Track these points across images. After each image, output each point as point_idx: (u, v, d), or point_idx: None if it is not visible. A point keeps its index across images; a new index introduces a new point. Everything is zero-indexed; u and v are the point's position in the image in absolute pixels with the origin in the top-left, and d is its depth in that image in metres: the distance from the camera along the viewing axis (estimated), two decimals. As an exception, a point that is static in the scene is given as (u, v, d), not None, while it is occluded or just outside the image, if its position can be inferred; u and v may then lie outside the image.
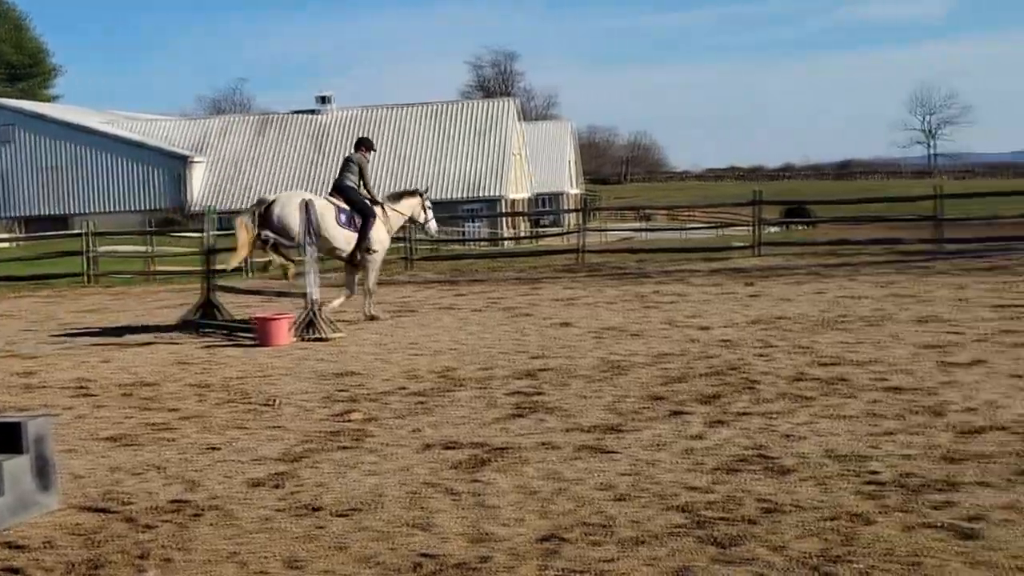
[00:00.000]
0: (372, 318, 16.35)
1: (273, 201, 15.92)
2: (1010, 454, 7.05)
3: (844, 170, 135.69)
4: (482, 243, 47.50)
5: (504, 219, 60.48)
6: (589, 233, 30.42)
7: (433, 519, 6.21)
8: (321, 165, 68.20)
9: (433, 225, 17.85)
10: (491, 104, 74.56)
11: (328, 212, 15.99)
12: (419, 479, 7.08)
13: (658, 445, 7.74)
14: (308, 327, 14.39)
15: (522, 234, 56.99)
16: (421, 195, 17.66)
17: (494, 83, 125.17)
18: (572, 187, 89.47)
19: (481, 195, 66.04)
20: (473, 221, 57.94)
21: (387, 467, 7.44)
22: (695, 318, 14.75)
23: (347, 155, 17.16)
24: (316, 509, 6.50)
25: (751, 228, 28.58)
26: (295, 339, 14.14)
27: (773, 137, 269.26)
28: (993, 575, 5.05)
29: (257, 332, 14.23)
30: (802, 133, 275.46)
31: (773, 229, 41.39)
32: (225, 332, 15.28)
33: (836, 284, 18.65)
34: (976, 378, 9.62)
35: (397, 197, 17.52)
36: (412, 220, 17.77)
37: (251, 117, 76.73)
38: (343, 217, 16.18)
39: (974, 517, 5.82)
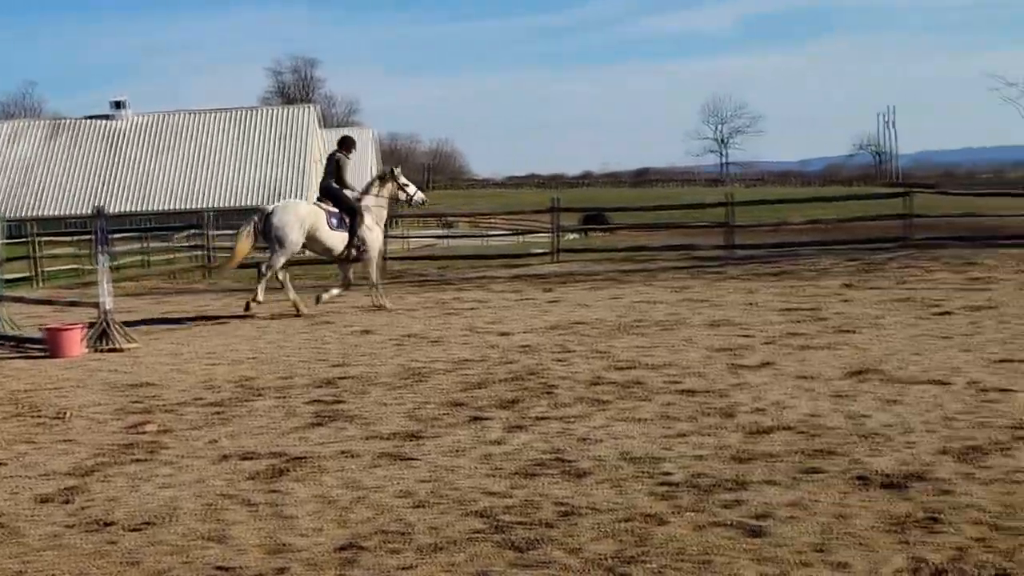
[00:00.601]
0: (380, 307, 17.32)
1: (272, 212, 16.94)
2: (795, 453, 7.31)
3: (641, 178, 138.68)
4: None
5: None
6: (391, 240, 30.36)
7: (229, 531, 6.11)
8: (116, 171, 66.59)
9: (419, 195, 18.29)
10: (292, 110, 73.78)
11: (320, 218, 16.92)
12: (215, 491, 6.96)
13: (457, 451, 7.77)
14: (101, 337, 13.99)
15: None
16: (391, 175, 18.04)
17: (295, 89, 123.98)
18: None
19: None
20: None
21: (182, 479, 7.30)
22: (495, 324, 14.86)
23: (328, 154, 18.02)
24: (108, 524, 6.33)
25: (550, 235, 28.95)
26: (88, 350, 13.73)
27: (573, 145, 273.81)
28: (779, 570, 5.23)
29: (47, 343, 13.75)
30: (601, 142, 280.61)
31: (572, 236, 41.98)
32: (13, 344, 14.73)
33: (633, 289, 19.02)
34: (764, 380, 9.94)
35: (371, 186, 17.99)
36: (396, 200, 18.33)
37: (42, 122, 74.12)
38: (334, 220, 17.07)
39: (761, 515, 6.01)
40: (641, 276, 21.65)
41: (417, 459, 7.59)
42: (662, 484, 6.70)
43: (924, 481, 6.55)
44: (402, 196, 18.13)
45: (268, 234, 16.85)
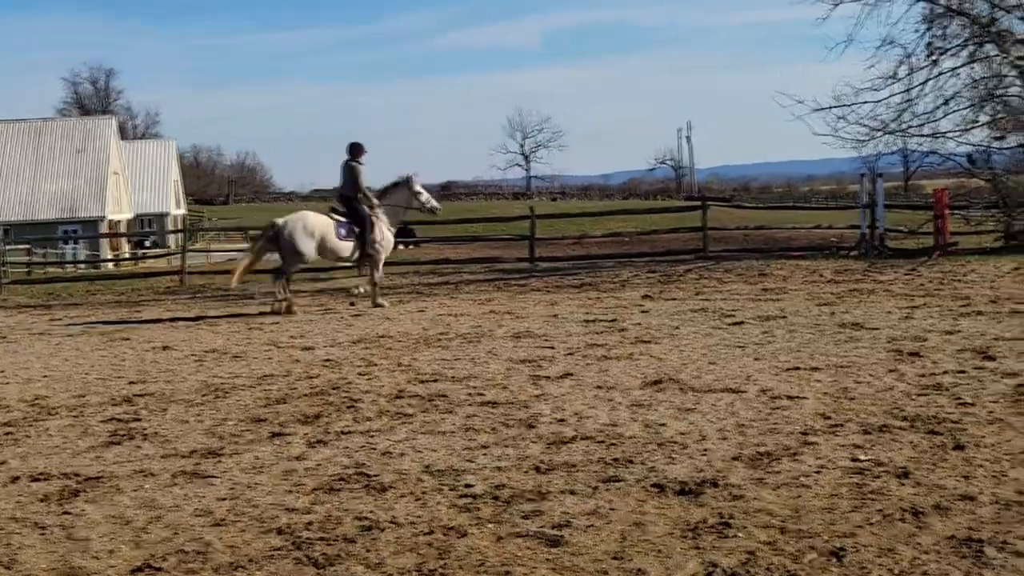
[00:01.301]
0: (378, 306, 18.28)
1: (284, 224, 18.10)
2: (595, 462, 7.44)
3: (447, 191, 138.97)
4: (80, 265, 45.62)
5: (104, 240, 58.27)
6: (193, 255, 29.80)
7: (18, 556, 5.91)
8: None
9: (433, 203, 19.31)
10: (89, 122, 71.86)
11: (329, 229, 18.07)
12: (3, 514, 6.72)
13: (258, 468, 7.68)
14: None
15: (124, 256, 55.15)
16: (407, 183, 18.96)
17: (92, 100, 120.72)
18: (176, 208, 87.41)
19: (79, 216, 63.55)
20: (71, 243, 55.44)
21: (-32, 504, 7.03)
22: (299, 338, 14.72)
23: (342, 163, 18.66)
24: None
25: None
26: None
27: (379, 159, 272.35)
28: (577, 578, 5.32)
29: None
30: (407, 155, 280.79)
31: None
32: None
33: (437, 302, 19.08)
34: (565, 390, 10.08)
35: (385, 193, 18.95)
36: (409, 207, 19.19)
37: None
38: (343, 231, 18.16)
39: (561, 524, 6.10)
40: (446, 289, 21.73)
41: (216, 477, 7.46)
42: (463, 496, 6.73)
43: (717, 487, 6.74)
44: (415, 204, 19.05)
45: (280, 245, 18.11)
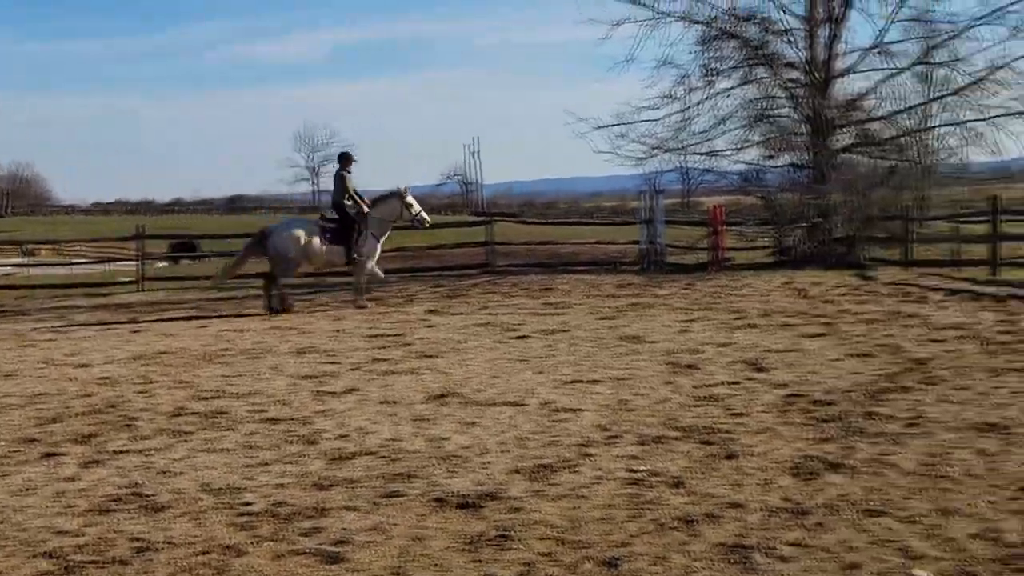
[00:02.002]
0: (361, 307, 18.87)
1: (269, 233, 19.15)
2: (376, 477, 7.44)
3: (234, 205, 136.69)
4: None
5: None
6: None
7: None
8: None
9: (423, 215, 19.86)
10: None
11: (313, 236, 18.95)
12: None
13: (27, 490, 7.42)
14: None
15: None
16: (399, 195, 19.54)
17: None
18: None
19: None
20: None
21: None
22: (74, 356, 14.27)
23: (335, 172, 19.64)
24: None
25: (136, 263, 28.11)
26: None
27: (164, 171, 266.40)
28: (355, 594, 5.31)
29: None
30: (193, 168, 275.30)
31: (161, 264, 40.93)
32: None
33: (221, 318, 18.75)
34: (349, 406, 10.05)
35: (377, 202, 19.53)
36: (399, 218, 19.76)
37: None
38: (328, 235, 18.99)
39: (340, 541, 6.09)
40: (230, 304, 21.35)
41: (-18, 500, 7.19)
42: (242, 515, 6.65)
43: (497, 500, 6.82)
44: (406, 215, 19.61)
45: (267, 250, 19.08)
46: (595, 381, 10.95)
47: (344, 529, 6.29)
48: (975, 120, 25.26)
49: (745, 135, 26.43)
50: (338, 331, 15.98)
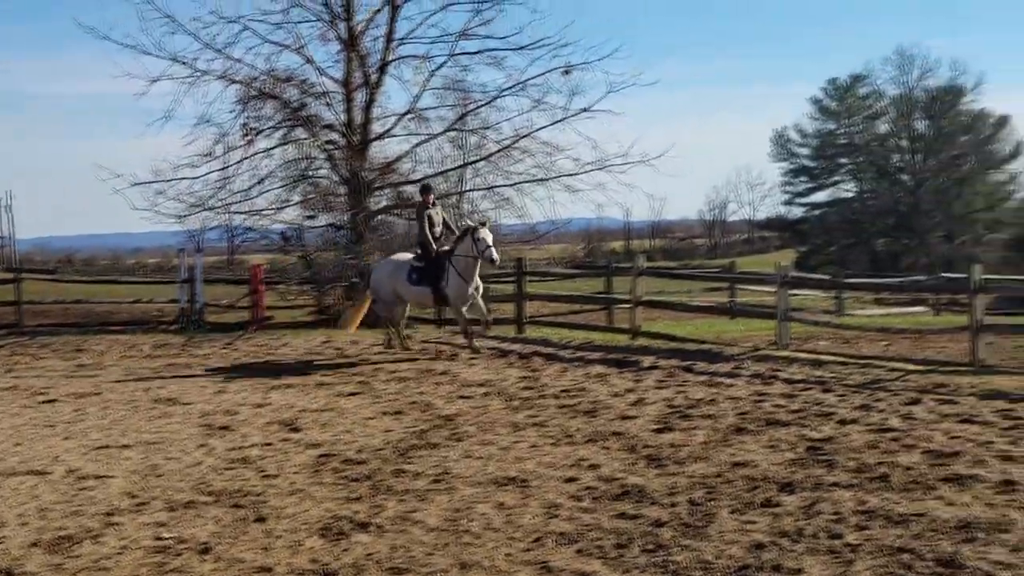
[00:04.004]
0: (472, 348, 17.92)
1: (370, 269, 19.54)
2: None
3: None
4: None
5: None
6: None
7: None
8: None
9: (491, 253, 17.47)
10: None
11: (401, 274, 18.19)
12: None
13: None
14: None
15: None
16: (470, 232, 17.75)
17: None
18: None
19: None
20: None
21: None
22: None
23: (416, 206, 19.01)
24: None
25: None
26: None
27: None
28: None
29: None
30: None
31: None
32: None
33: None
34: None
35: (458, 241, 17.88)
36: (475, 257, 17.78)
37: None
38: (414, 275, 18.02)
39: None
40: None
41: None
42: None
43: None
44: (473, 252, 17.63)
45: (370, 289, 19.26)
46: (126, 446, 10.70)
47: None
48: (503, 185, 26.67)
49: (286, 195, 26.67)
50: None
